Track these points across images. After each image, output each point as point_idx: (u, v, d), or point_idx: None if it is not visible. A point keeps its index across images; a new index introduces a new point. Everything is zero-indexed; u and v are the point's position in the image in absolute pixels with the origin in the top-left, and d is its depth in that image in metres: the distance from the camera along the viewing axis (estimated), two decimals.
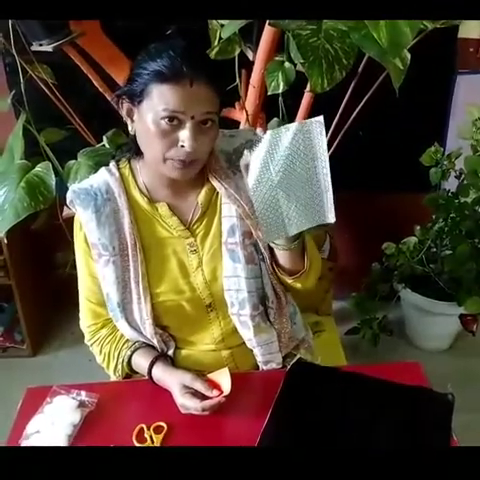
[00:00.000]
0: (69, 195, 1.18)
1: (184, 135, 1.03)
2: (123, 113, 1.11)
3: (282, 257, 1.17)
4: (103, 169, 1.20)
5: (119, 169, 1.19)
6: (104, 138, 1.73)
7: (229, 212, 1.18)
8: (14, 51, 1.62)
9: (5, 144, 1.73)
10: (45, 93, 1.74)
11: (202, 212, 1.19)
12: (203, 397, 1.11)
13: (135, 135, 1.12)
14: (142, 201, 1.18)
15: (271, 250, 1.19)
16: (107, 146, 1.72)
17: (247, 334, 1.25)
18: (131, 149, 1.18)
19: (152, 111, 1.03)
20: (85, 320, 1.30)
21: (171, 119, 1.02)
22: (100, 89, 1.75)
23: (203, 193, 1.19)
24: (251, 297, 1.20)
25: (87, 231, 1.17)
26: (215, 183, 1.17)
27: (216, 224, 1.20)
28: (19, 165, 1.63)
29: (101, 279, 1.20)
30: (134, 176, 1.19)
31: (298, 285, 1.22)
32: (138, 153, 1.16)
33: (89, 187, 1.17)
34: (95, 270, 1.20)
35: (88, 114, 1.84)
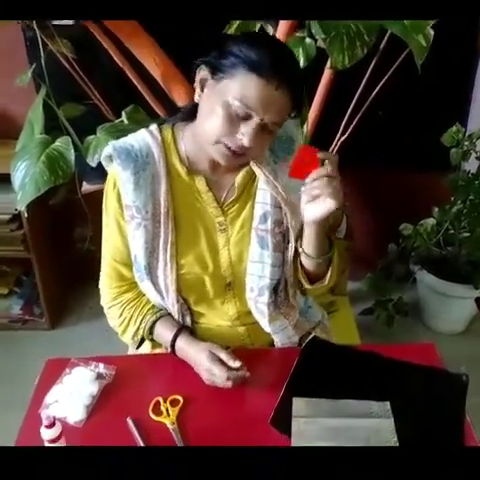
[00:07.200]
0: (108, 150, 1.15)
1: (246, 130, 1.03)
2: (196, 79, 1.09)
3: (307, 263, 1.19)
4: (144, 131, 1.17)
5: (161, 133, 1.17)
6: (123, 113, 1.73)
7: (263, 199, 1.18)
8: (35, 25, 1.62)
9: (25, 118, 1.74)
10: (65, 68, 1.74)
11: (237, 194, 1.19)
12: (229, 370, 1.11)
13: (197, 104, 1.10)
14: (181, 170, 1.17)
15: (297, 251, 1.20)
16: (126, 122, 1.72)
17: (263, 321, 1.26)
18: (186, 114, 1.16)
19: (229, 94, 1.02)
20: (109, 280, 1.28)
21: (242, 111, 1.02)
22: (120, 64, 1.75)
23: (241, 175, 1.18)
24: (271, 285, 1.21)
25: (123, 191, 1.15)
26: (255, 168, 1.16)
27: (248, 208, 1.20)
28: (39, 139, 1.65)
29: (130, 240, 1.19)
30: (176, 143, 1.17)
31: (311, 292, 1.27)
32: (188, 120, 1.14)
33: (130, 147, 1.14)
34: (125, 229, 1.19)
35: (107, 89, 1.84)
